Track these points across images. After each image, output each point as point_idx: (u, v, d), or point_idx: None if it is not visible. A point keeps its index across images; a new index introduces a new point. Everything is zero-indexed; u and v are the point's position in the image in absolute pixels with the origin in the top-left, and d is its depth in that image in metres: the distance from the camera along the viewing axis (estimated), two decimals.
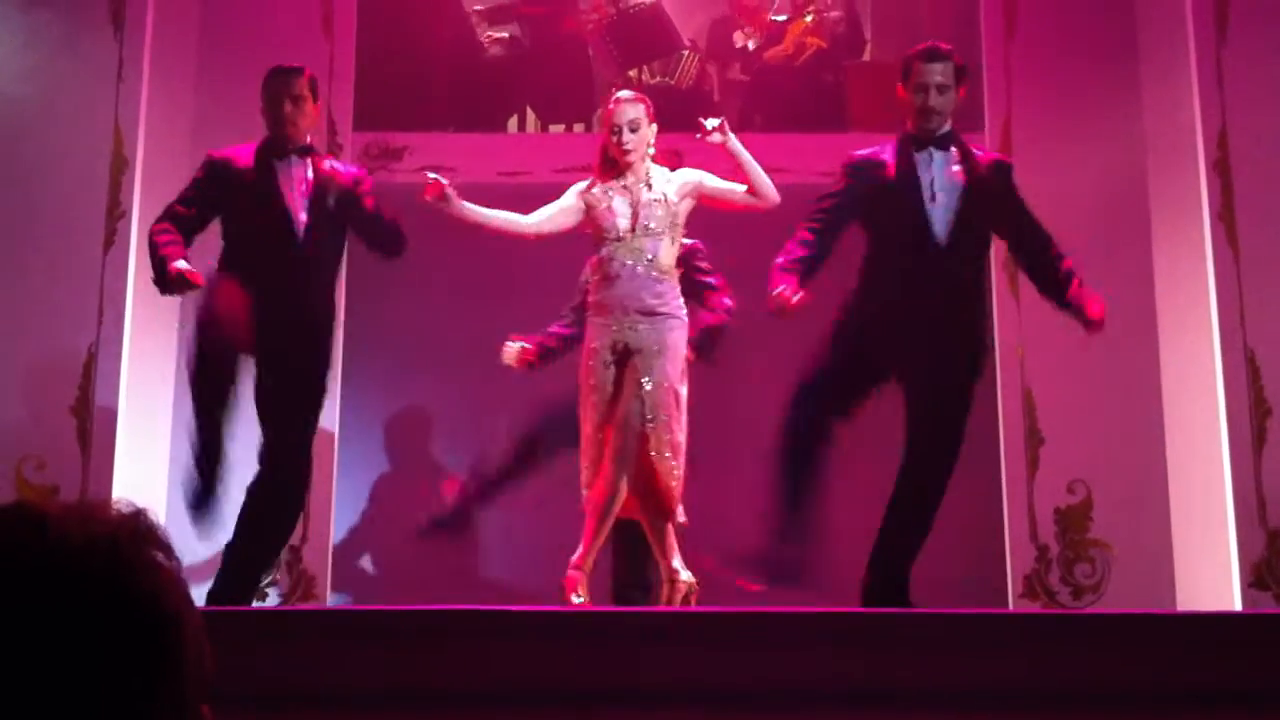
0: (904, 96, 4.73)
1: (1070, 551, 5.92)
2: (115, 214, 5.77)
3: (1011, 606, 5.79)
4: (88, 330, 5.64)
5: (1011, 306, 6.12)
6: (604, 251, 4.68)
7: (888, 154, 4.72)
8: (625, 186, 4.71)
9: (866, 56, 7.88)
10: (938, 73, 4.65)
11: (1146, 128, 6.19)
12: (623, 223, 4.65)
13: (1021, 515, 5.95)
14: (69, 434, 5.56)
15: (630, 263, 4.64)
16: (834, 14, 7.62)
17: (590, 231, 4.78)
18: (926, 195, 4.62)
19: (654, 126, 4.79)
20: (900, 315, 4.55)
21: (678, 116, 7.50)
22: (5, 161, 5.76)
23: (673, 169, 4.88)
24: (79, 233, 5.73)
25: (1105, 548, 5.91)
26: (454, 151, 6.66)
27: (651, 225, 4.64)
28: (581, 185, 4.80)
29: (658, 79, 7.71)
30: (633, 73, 7.69)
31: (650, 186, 4.70)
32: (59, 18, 5.94)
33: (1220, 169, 5.72)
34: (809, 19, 7.61)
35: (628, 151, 4.69)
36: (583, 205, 4.75)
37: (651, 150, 4.78)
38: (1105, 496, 5.92)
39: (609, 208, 4.70)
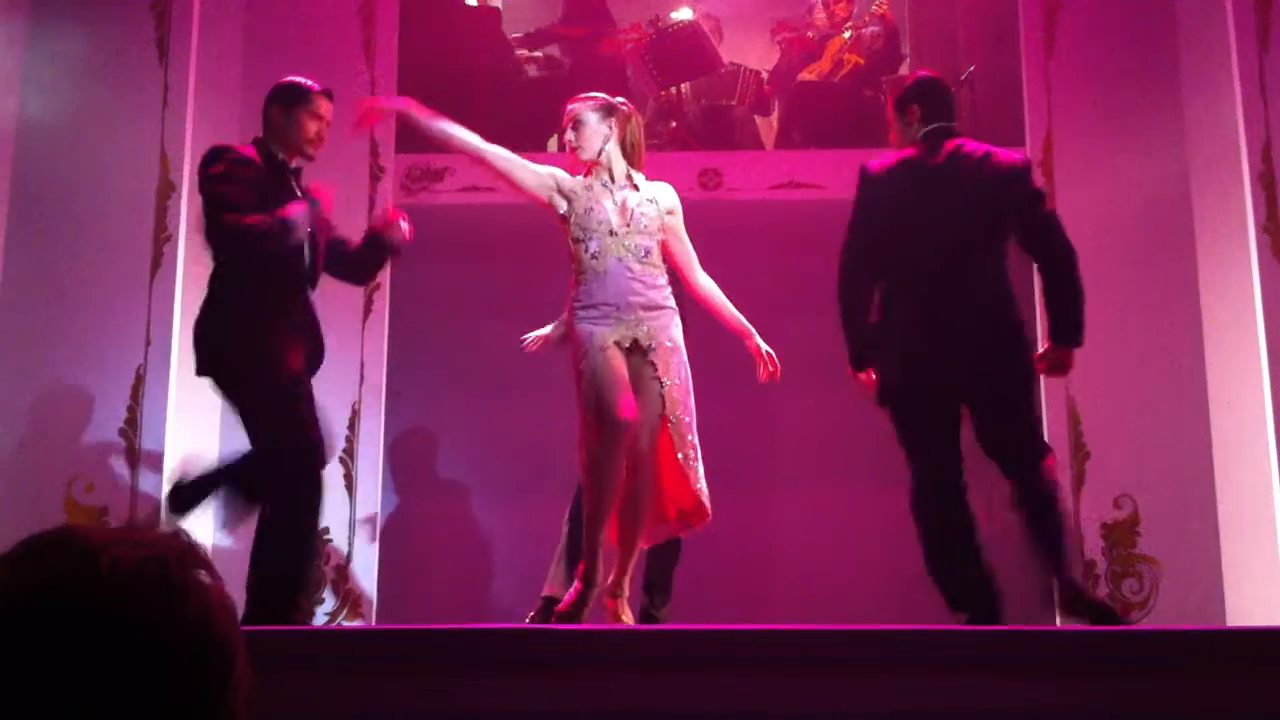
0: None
1: (1118, 567, 5.87)
2: (162, 237, 5.85)
3: (1059, 623, 5.74)
4: (136, 353, 5.71)
5: None
6: (593, 247, 4.51)
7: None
8: (605, 186, 4.60)
9: (904, 71, 7.89)
10: None
11: (1189, 141, 6.14)
12: (614, 218, 4.54)
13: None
14: (118, 456, 5.63)
15: (621, 258, 4.51)
16: (872, 30, 7.62)
17: (560, 222, 4.62)
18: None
19: (610, 125, 4.64)
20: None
21: (722, 137, 7.58)
22: (53, 187, 5.85)
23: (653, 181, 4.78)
24: (126, 256, 5.81)
25: (1153, 563, 5.86)
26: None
27: (644, 224, 4.55)
28: (560, 170, 4.66)
29: (721, 102, 7.77)
30: (686, 94, 7.77)
31: (637, 188, 4.62)
32: (105, 46, 6.03)
33: (1265, 181, 5.68)
34: (847, 35, 7.63)
35: (576, 149, 4.63)
36: (553, 185, 4.60)
37: (609, 145, 4.63)
38: (1152, 511, 5.87)
39: (593, 204, 4.56)
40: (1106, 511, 5.90)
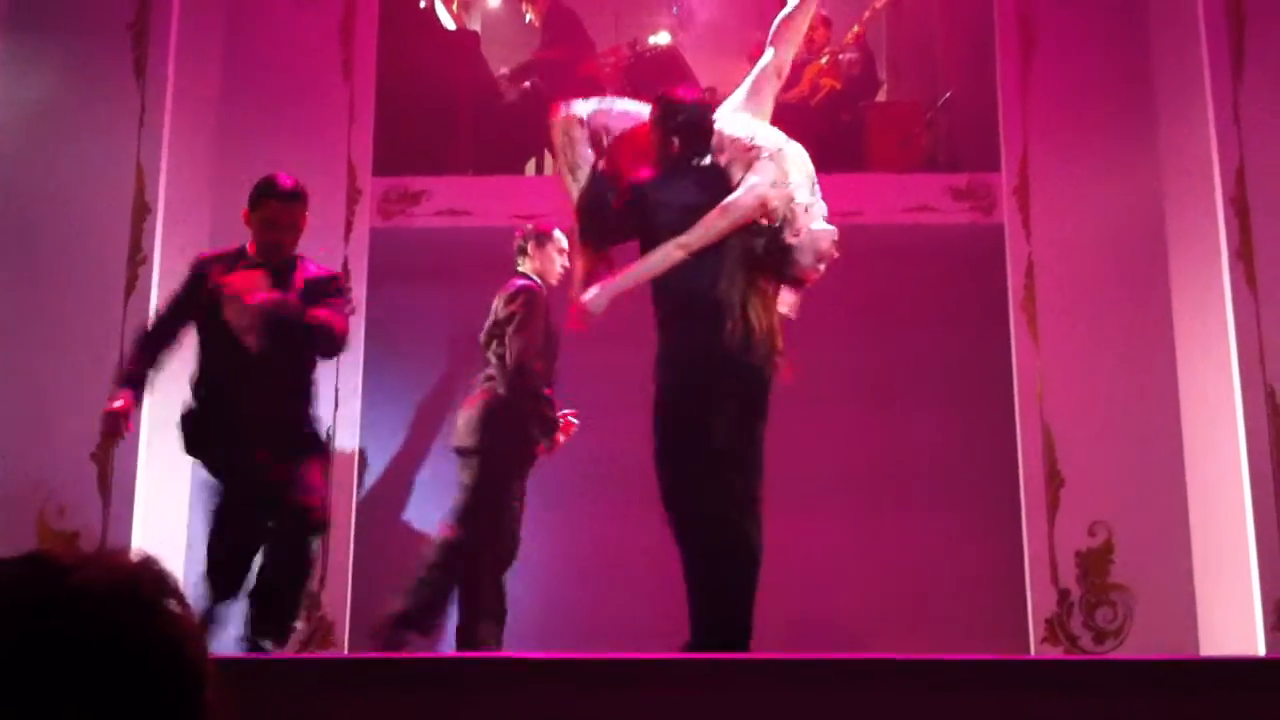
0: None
1: (1092, 595, 5.88)
2: (137, 259, 5.81)
3: (1033, 651, 5.75)
4: (109, 376, 5.66)
5: (1029, 346, 6.11)
6: None
7: None
8: None
9: (882, 97, 7.92)
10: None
11: (1164, 166, 6.18)
12: None
13: (1042, 558, 5.91)
14: (90, 480, 5.58)
15: None
16: (849, 55, 7.66)
17: None
18: None
19: None
20: None
21: None
22: (28, 207, 5.81)
23: None
24: (101, 278, 5.77)
25: (1127, 591, 5.87)
26: (472, 195, 6.71)
27: None
28: None
29: None
30: None
31: None
32: (82, 65, 6.00)
33: (1238, 207, 5.70)
34: (824, 60, 7.66)
35: None
36: None
37: None
38: (1126, 539, 5.88)
39: None
40: (1080, 539, 5.90)
